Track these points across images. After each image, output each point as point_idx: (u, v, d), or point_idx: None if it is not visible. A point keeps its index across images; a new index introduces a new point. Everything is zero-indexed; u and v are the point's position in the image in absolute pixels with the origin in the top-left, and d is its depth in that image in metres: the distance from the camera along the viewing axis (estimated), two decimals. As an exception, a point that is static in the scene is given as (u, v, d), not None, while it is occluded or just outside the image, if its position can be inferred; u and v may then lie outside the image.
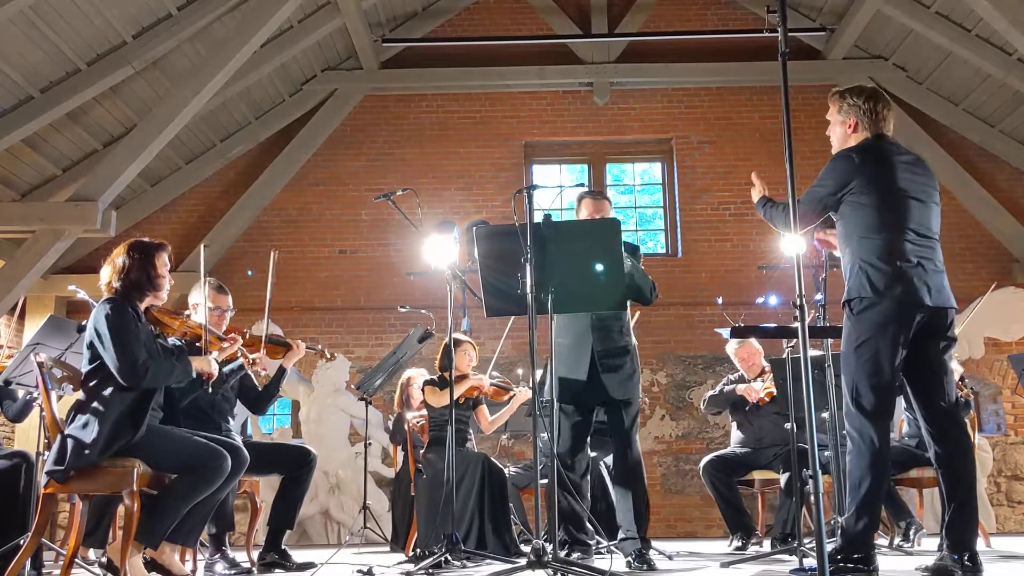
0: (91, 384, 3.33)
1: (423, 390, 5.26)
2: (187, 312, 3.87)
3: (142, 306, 3.49)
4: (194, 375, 3.50)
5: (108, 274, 3.47)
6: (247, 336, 4.25)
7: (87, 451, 3.18)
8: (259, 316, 7.59)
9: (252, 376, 4.42)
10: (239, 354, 4.05)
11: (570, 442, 4.24)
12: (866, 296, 3.21)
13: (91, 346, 3.35)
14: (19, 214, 6.82)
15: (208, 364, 3.56)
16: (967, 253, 8.61)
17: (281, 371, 4.52)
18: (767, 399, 5.51)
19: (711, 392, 5.93)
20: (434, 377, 5.33)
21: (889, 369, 3.17)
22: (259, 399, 4.56)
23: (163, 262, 3.53)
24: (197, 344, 3.75)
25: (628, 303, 4.28)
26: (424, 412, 5.38)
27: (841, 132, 3.48)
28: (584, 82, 9.01)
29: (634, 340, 4.37)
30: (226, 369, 4.11)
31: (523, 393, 5.41)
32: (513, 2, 9.21)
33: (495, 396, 5.41)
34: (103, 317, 3.31)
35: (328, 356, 4.63)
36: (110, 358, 3.26)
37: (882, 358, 3.17)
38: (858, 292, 3.23)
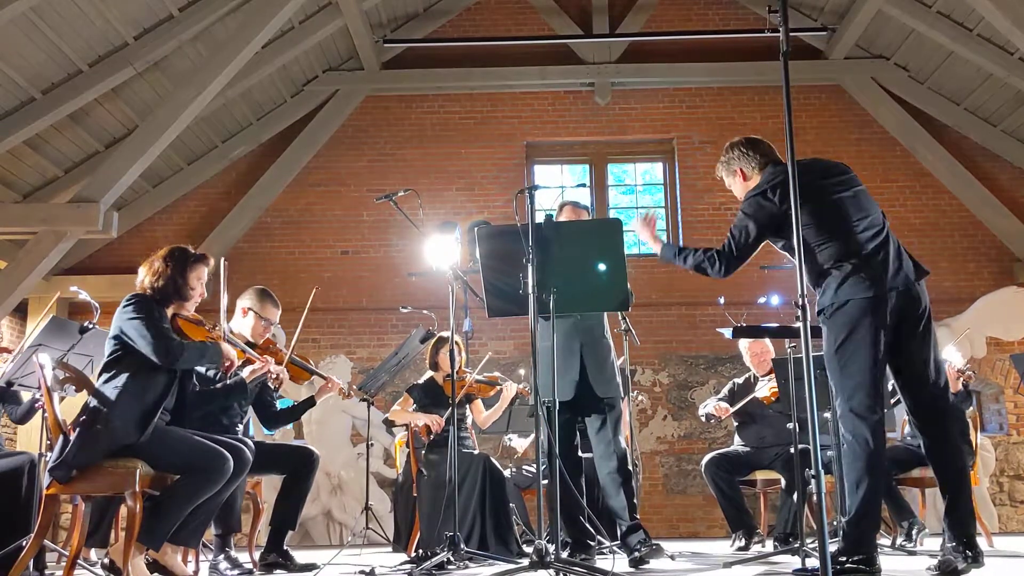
0: (105, 379, 3.33)
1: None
2: (213, 325, 3.85)
3: (169, 312, 3.52)
4: (223, 360, 3.49)
5: (143, 274, 3.51)
6: (277, 352, 4.24)
7: (89, 451, 3.18)
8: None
9: (271, 391, 4.42)
10: (267, 373, 4.04)
11: (564, 442, 4.25)
12: (835, 301, 3.25)
13: (116, 338, 3.35)
14: (21, 215, 6.83)
15: (230, 352, 3.55)
16: (969, 253, 8.61)
17: (311, 402, 4.53)
18: (772, 398, 5.50)
19: (706, 409, 5.88)
20: (418, 382, 5.34)
21: (872, 364, 3.19)
22: (276, 418, 4.56)
23: (198, 275, 3.57)
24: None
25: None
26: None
27: (739, 184, 3.60)
28: (585, 82, 9.01)
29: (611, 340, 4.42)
30: (253, 381, 4.08)
31: (509, 388, 5.40)
32: (514, 3, 9.21)
33: (482, 392, 5.43)
34: (131, 308, 3.34)
35: (347, 394, 4.63)
36: (145, 342, 3.28)
37: (864, 354, 3.19)
38: (830, 300, 3.28)
